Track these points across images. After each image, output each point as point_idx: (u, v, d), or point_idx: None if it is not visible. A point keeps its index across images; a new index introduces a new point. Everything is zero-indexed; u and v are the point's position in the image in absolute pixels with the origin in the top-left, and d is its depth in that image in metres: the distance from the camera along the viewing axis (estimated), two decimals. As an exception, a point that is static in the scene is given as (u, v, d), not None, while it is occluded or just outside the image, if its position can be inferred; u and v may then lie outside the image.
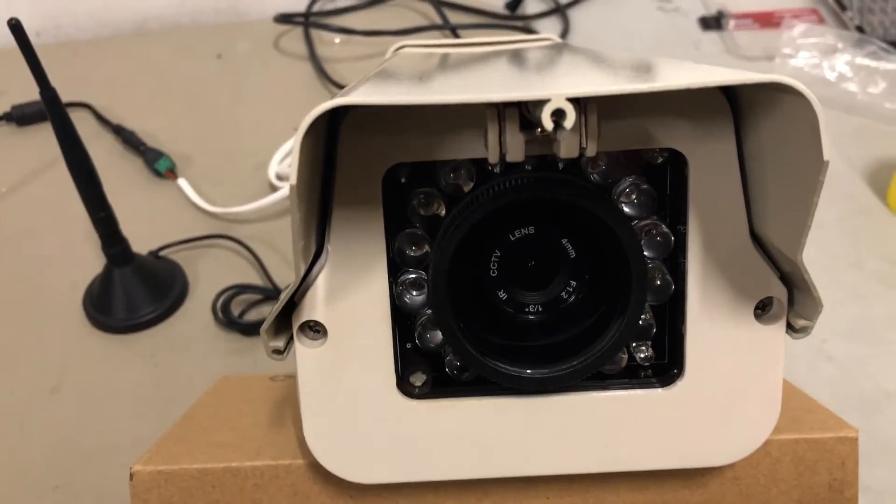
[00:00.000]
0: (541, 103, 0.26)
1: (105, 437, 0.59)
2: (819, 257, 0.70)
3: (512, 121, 0.29)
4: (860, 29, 0.96)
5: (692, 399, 0.36)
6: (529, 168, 0.34)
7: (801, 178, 0.28)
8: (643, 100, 0.33)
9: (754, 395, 0.36)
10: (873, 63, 0.89)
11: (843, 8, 0.99)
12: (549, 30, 1.02)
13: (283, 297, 0.33)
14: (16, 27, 0.51)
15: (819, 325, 0.65)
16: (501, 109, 0.29)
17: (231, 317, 0.66)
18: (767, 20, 1.01)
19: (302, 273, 0.32)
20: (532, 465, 0.36)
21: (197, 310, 0.68)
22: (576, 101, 0.28)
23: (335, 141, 0.33)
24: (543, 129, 0.27)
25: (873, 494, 0.53)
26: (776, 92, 0.28)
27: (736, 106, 0.33)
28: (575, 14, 1.05)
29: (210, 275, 0.71)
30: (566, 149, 0.29)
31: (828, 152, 0.26)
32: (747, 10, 1.02)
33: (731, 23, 1.00)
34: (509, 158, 0.30)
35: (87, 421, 0.60)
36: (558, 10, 1.05)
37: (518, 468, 0.36)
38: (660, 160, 0.35)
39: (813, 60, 0.90)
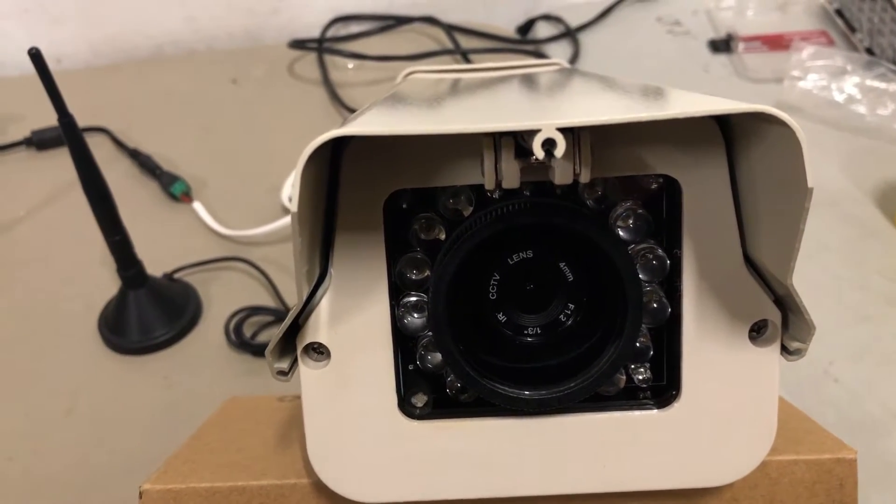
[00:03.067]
0: (533, 133, 0.27)
1: (118, 459, 0.59)
2: (826, 278, 0.70)
3: (507, 149, 0.30)
4: (870, 51, 0.96)
5: (689, 420, 0.36)
6: (527, 193, 0.35)
7: (788, 204, 0.29)
8: (638, 128, 0.34)
9: (750, 415, 0.36)
10: (882, 85, 0.90)
11: (853, 30, 1.00)
12: (559, 54, 1.03)
13: (288, 320, 0.34)
14: (36, 56, 0.52)
15: (825, 346, 0.65)
16: (497, 138, 0.30)
17: (243, 338, 0.67)
18: (777, 43, 1.01)
19: (305, 297, 0.33)
20: (531, 485, 0.37)
21: (210, 331, 0.70)
22: (569, 130, 0.29)
23: (338, 167, 0.34)
24: (538, 157, 0.28)
25: (880, 517, 0.53)
26: (763, 121, 0.29)
27: (728, 133, 0.34)
28: (585, 38, 1.06)
29: (223, 297, 0.72)
30: (560, 175, 0.30)
31: (812, 180, 0.27)
32: (756, 32, 1.03)
33: (741, 45, 1.01)
34: (505, 185, 0.31)
35: (100, 442, 0.61)
36: (569, 34, 1.06)
37: (517, 488, 0.37)
38: (655, 186, 0.35)
39: (822, 82, 0.91)
